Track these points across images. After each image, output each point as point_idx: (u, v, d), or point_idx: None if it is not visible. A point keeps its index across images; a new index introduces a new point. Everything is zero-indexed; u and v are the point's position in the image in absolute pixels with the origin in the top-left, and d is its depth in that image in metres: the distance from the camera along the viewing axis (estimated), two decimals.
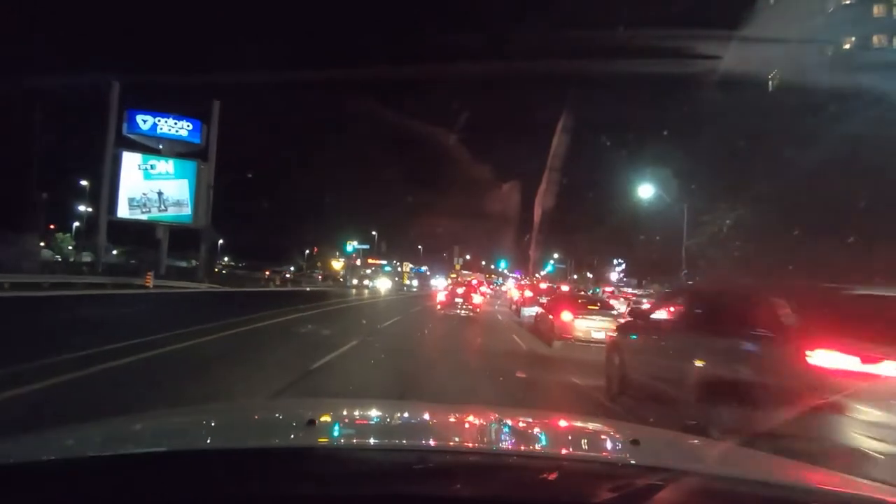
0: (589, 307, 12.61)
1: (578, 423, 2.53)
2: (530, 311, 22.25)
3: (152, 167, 40.17)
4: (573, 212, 59.15)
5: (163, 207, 40.37)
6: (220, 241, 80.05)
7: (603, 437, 2.21)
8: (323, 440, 1.72)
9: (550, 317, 13.02)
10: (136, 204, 39.66)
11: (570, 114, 52.44)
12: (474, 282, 39.49)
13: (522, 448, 1.89)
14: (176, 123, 40.58)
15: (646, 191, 35.06)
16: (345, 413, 2.34)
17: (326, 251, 78.32)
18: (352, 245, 62.23)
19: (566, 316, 12.11)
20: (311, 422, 1.73)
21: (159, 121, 40.06)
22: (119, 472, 1.30)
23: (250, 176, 60.69)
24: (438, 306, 20.29)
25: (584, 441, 2.14)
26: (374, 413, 2.44)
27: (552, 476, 1.32)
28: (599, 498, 1.26)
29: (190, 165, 41.11)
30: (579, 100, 53.16)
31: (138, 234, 43.67)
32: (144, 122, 39.82)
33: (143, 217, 40.03)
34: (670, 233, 47.23)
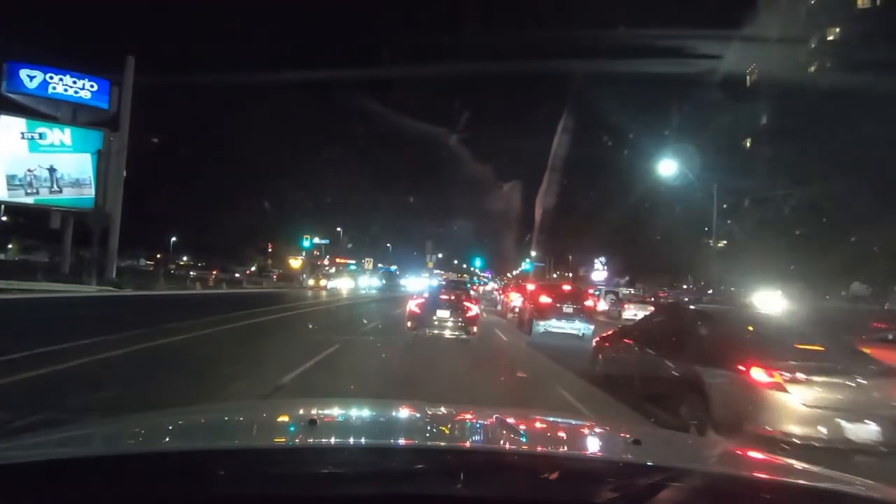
0: (801, 347, 4.86)
1: (579, 423, 2.52)
2: (548, 327, 14.79)
3: (41, 136, 31.24)
4: (571, 210, 55.52)
5: (56, 188, 31.51)
6: (174, 239, 72.28)
7: (604, 436, 2.16)
8: (323, 440, 1.71)
9: (701, 369, 5.30)
10: (18, 183, 30.68)
11: (570, 113, 49.31)
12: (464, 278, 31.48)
13: (523, 448, 1.82)
14: (76, 83, 31.87)
15: (668, 167, 28.45)
16: (345, 413, 2.32)
17: (286, 249, 69.93)
18: (308, 240, 53.52)
19: (758, 374, 4.41)
20: (312, 421, 1.76)
21: (52, 78, 31.25)
22: (119, 472, 1.29)
23: (204, 165, 52.40)
24: (408, 323, 12.54)
25: (585, 441, 2.10)
26: (374, 413, 2.34)
27: (553, 476, 1.31)
28: (601, 497, 1.26)
29: (94, 136, 32.33)
30: (580, 99, 48.86)
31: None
32: (31, 78, 30.95)
33: (29, 200, 31.10)
34: (688, 225, 41.79)
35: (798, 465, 1.75)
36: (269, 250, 69.58)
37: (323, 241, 59.10)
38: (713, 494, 1.32)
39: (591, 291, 27.42)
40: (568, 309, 14.96)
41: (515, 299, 23.97)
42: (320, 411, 2.20)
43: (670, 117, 46.86)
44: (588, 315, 15.21)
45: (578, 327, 14.94)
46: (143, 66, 33.32)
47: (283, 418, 2.14)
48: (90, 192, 32.08)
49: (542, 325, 14.95)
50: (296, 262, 65.98)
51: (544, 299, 15.21)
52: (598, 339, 8.45)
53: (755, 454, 1.90)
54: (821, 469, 1.69)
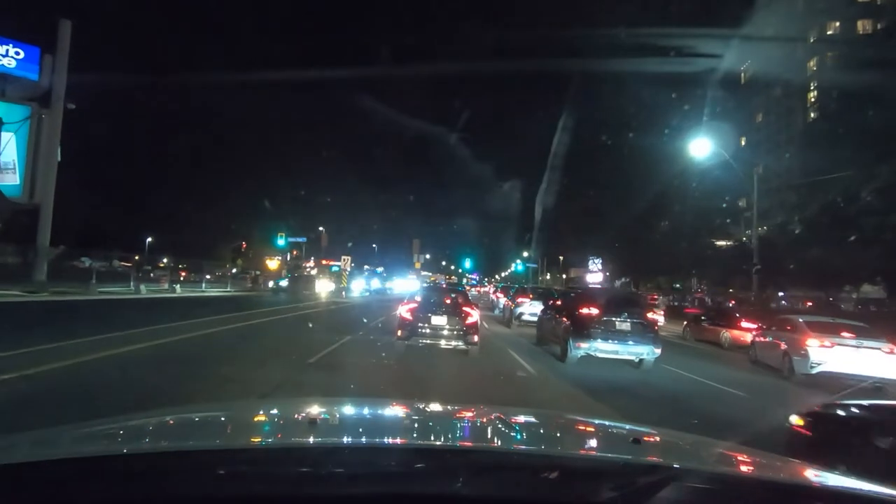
0: None
1: (580, 423, 2.51)
2: (593, 350, 10.42)
3: None
4: (571, 209, 53.08)
5: None
6: (150, 239, 67.00)
7: (604, 435, 2.15)
8: (324, 439, 1.66)
9: None
10: None
11: (570, 112, 47.61)
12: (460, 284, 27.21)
13: (524, 447, 1.85)
14: None
15: (701, 148, 24.54)
16: (345, 412, 2.29)
17: (265, 249, 64.88)
18: (283, 238, 48.54)
19: None
20: (312, 421, 1.82)
21: None
22: (118, 472, 1.27)
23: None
24: (399, 332, 10.60)
25: (585, 440, 2.08)
26: (375, 412, 2.33)
27: (553, 475, 1.30)
28: (601, 496, 1.25)
29: (17, 111, 27.14)
30: (579, 98, 48.56)
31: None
32: None
33: None
34: (699, 221, 38.28)
35: (798, 464, 1.72)
36: (243, 250, 64.18)
37: (299, 240, 53.86)
38: (713, 494, 1.31)
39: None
40: (623, 324, 10.29)
41: (526, 305, 19.59)
42: (320, 411, 2.17)
43: (683, 108, 44.77)
44: (653, 332, 10.55)
45: (638, 351, 10.30)
46: (123, 61, 28.81)
47: (284, 418, 2.12)
48: (14, 177, 27.01)
49: (584, 348, 10.28)
50: (273, 263, 61.00)
51: (587, 310, 10.50)
52: None
53: (755, 454, 1.80)
54: (821, 468, 1.64)
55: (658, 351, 10.29)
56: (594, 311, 10.45)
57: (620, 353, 10.30)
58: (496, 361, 10.55)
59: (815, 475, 1.57)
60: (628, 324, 10.32)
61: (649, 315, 10.78)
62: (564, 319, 11.13)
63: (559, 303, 12.90)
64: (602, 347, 10.22)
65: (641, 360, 10.46)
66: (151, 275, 48.17)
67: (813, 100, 49.59)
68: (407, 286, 54.64)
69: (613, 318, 10.33)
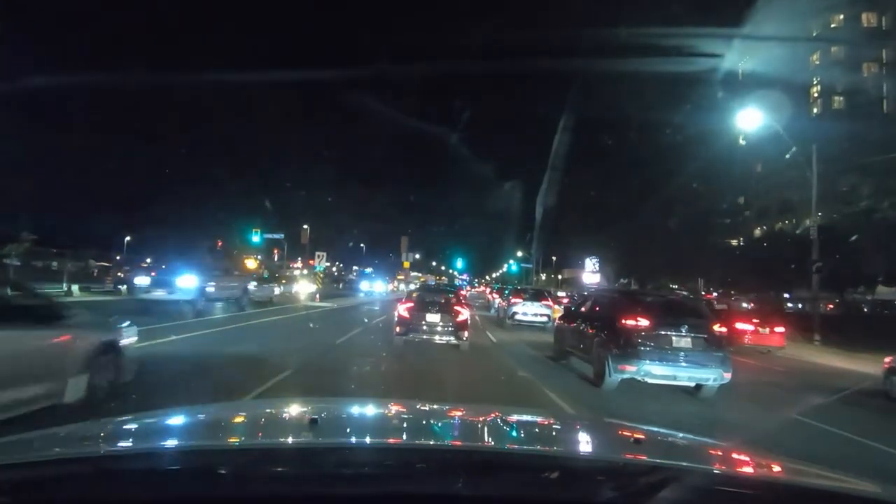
0: None
1: (581, 423, 2.58)
2: (642, 373, 7.65)
3: None
4: (573, 209, 51.98)
5: None
6: (127, 238, 63.68)
7: (605, 436, 2.11)
8: (324, 439, 1.64)
9: None
10: None
11: (571, 112, 46.14)
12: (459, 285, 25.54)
13: (525, 447, 1.82)
14: None
15: (751, 120, 22.74)
16: (346, 412, 2.26)
17: (246, 248, 61.85)
18: (259, 234, 45.42)
19: None
20: (313, 420, 1.73)
21: None
22: (121, 471, 1.25)
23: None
24: (397, 328, 11.57)
25: (586, 440, 2.04)
26: (375, 412, 2.29)
27: (555, 475, 1.29)
28: (602, 497, 1.23)
29: None
30: (580, 97, 47.57)
31: None
32: None
33: None
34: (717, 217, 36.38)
35: (799, 464, 1.67)
36: (219, 248, 61.03)
37: (275, 236, 50.74)
38: (713, 494, 1.29)
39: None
40: (682, 339, 7.47)
41: (519, 306, 18.51)
42: (321, 410, 2.14)
43: (685, 107, 43.43)
44: (722, 350, 7.79)
45: (702, 376, 7.53)
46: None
47: (284, 417, 2.11)
48: None
49: (630, 371, 7.45)
50: (251, 262, 57.96)
51: (633, 321, 7.73)
52: None
53: (756, 454, 1.80)
54: (821, 468, 1.59)
55: (728, 376, 7.53)
56: (643, 321, 7.62)
57: (679, 377, 7.50)
58: (514, 391, 7.81)
59: (816, 475, 1.54)
60: (689, 339, 7.51)
61: (715, 327, 8.06)
62: (600, 332, 8.37)
63: (584, 309, 10.13)
64: (655, 371, 7.43)
65: (708, 387, 7.77)
66: (121, 274, 44.96)
67: (816, 94, 48.64)
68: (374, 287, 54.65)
69: (669, 332, 7.51)
